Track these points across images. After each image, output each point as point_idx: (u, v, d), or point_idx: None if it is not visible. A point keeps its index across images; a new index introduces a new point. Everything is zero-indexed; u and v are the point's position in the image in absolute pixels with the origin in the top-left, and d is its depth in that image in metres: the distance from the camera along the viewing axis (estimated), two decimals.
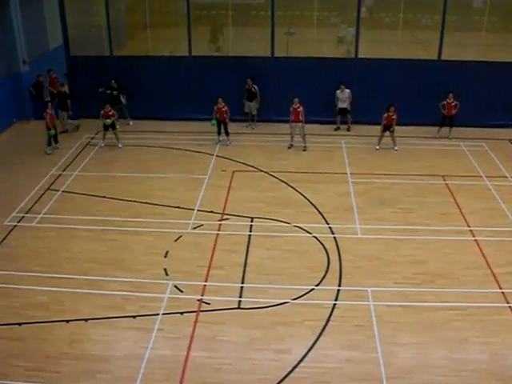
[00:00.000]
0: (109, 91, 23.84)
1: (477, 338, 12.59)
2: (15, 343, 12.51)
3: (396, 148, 21.98)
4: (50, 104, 22.28)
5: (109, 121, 22.16)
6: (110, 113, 22.19)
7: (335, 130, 24.00)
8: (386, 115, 21.68)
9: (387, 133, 21.91)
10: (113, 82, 23.95)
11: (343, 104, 23.60)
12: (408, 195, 18.62)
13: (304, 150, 22.06)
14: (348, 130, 23.96)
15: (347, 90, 23.36)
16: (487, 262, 15.10)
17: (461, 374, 11.66)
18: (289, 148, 22.29)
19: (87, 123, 24.22)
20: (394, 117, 21.61)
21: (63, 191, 19.00)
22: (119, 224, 16.95)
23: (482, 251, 15.58)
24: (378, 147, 22.03)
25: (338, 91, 23.41)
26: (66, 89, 24.39)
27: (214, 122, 22.25)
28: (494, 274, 14.62)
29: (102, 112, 22.14)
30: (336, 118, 23.91)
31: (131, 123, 24.54)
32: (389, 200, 18.29)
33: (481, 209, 17.72)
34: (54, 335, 12.77)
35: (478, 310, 13.40)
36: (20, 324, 13.02)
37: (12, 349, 12.34)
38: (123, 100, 24.25)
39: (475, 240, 16.10)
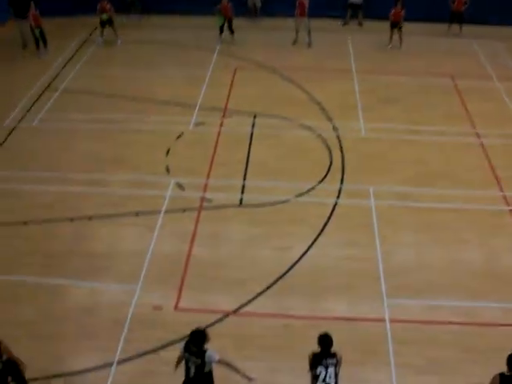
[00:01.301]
0: None
1: (474, 240, 12.70)
2: (22, 241, 12.66)
3: (402, 46, 21.33)
4: (32, 3, 20.75)
5: (105, 15, 21.36)
6: (107, 7, 21.36)
7: (343, 25, 23.27)
8: (393, 11, 20.97)
9: (395, 30, 21.20)
10: None
11: None
12: (414, 94, 18.29)
13: (309, 46, 21.49)
14: (360, 24, 23.21)
15: None
16: (491, 165, 15.00)
17: (456, 273, 11.84)
18: (293, 44, 21.69)
19: (84, 20, 23.39)
20: (401, 13, 20.87)
21: (62, 90, 18.64)
22: (120, 122, 16.75)
23: (486, 154, 15.44)
24: (390, 46, 21.38)
25: None
26: None
27: (219, 18, 21.53)
28: (496, 177, 14.56)
29: (99, 6, 21.31)
30: (347, 12, 23.09)
31: (135, 18, 23.78)
32: (394, 99, 17.98)
33: (488, 111, 17.39)
34: (59, 233, 12.92)
35: (477, 212, 13.44)
36: (26, 223, 13.13)
37: (19, 247, 12.50)
38: None
39: (480, 142, 15.92)
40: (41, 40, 20.88)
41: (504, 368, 8.12)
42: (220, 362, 8.39)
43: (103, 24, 21.58)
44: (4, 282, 11.56)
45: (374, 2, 22.45)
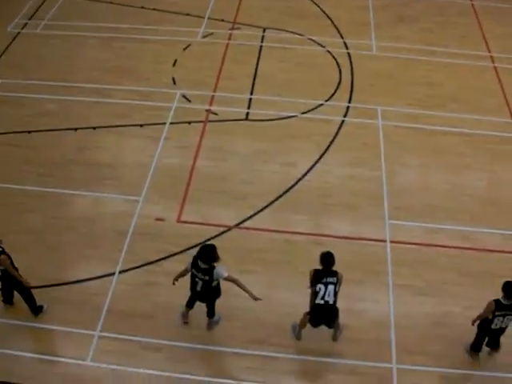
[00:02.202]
0: None
1: (479, 165, 12.63)
2: (26, 150, 12.64)
3: None
4: None
5: None
6: None
7: None
8: None
9: None
10: None
11: None
12: (429, 14, 17.64)
13: None
14: None
15: None
16: (503, 91, 14.68)
17: (459, 198, 11.85)
18: None
19: None
20: None
21: None
22: (127, 31, 16.31)
23: (499, 79, 15.09)
24: None
25: None
26: None
27: None
28: (508, 104, 14.28)
29: None
30: None
31: None
32: (409, 17, 17.38)
33: (505, 34, 16.80)
34: (62, 143, 12.88)
35: (485, 138, 13.28)
36: (29, 132, 13.05)
37: (23, 155, 12.50)
38: None
39: (494, 67, 15.54)
40: None
41: (499, 294, 8.26)
42: (228, 278, 8.44)
43: None
44: (11, 191, 11.65)
45: None
